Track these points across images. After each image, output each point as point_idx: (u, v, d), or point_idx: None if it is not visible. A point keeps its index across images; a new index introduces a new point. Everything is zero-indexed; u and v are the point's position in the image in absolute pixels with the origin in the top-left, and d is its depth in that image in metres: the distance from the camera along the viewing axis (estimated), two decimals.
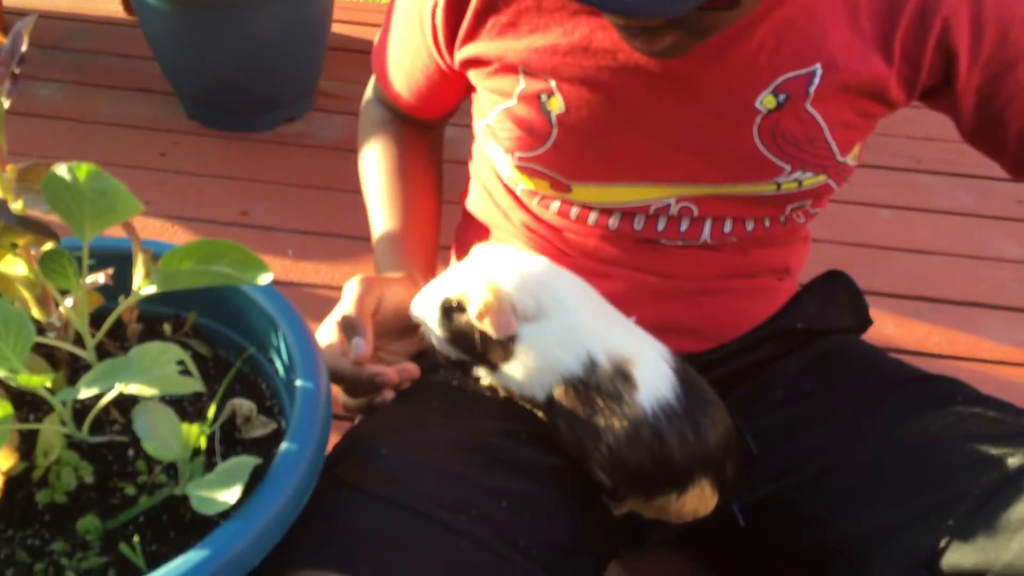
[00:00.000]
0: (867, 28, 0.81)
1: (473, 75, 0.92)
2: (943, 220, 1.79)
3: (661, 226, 0.91)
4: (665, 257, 0.93)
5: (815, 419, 0.92)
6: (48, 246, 0.63)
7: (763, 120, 0.83)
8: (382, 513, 0.71)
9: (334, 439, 0.74)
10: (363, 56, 1.17)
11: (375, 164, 1.07)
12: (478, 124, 0.96)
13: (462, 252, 1.04)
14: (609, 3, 0.66)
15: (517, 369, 0.80)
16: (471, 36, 0.88)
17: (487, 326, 0.78)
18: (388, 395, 0.83)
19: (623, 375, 0.77)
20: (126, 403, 0.67)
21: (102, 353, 0.67)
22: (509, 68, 0.87)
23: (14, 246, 0.63)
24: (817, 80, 0.81)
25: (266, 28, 1.83)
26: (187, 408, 0.70)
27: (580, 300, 0.81)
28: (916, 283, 1.61)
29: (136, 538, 0.61)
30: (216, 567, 0.55)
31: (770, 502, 0.89)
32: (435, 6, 0.88)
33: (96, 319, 0.67)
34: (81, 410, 0.66)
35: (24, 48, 0.63)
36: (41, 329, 0.64)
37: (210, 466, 0.61)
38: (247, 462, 0.60)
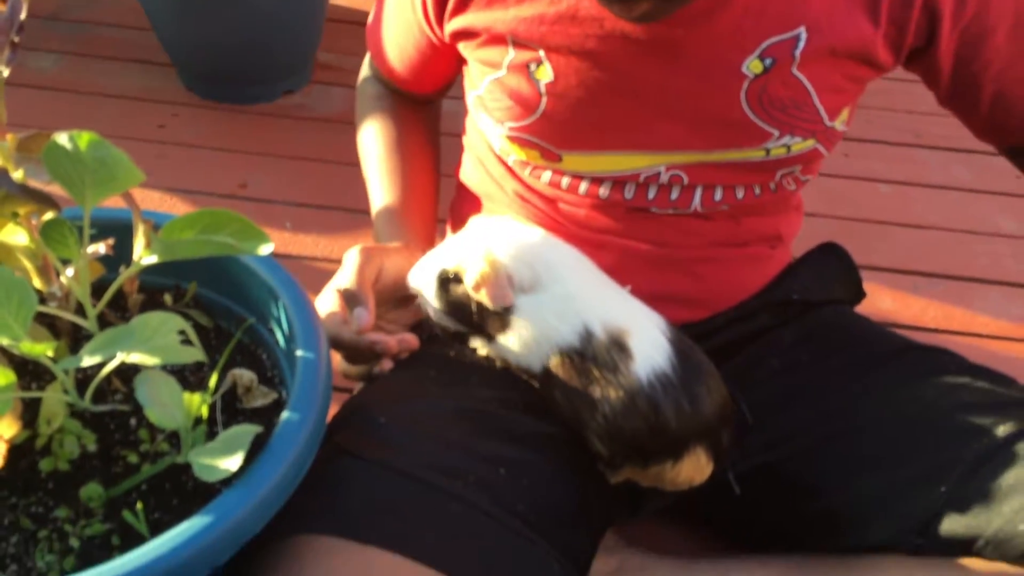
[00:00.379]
0: None
1: (463, 47, 0.92)
2: (941, 195, 1.79)
3: (652, 194, 0.91)
4: (657, 226, 0.94)
5: (810, 389, 0.93)
6: (49, 215, 0.63)
7: (750, 85, 0.83)
8: (381, 479, 0.72)
9: (333, 409, 0.75)
10: (361, 28, 1.16)
11: (373, 140, 1.07)
12: (470, 96, 0.96)
13: (457, 224, 1.05)
14: None
15: (514, 340, 0.81)
16: (460, 8, 0.88)
17: (484, 297, 0.79)
18: (387, 365, 0.83)
19: (619, 345, 0.78)
20: (128, 372, 0.67)
21: (103, 323, 0.67)
22: (498, 39, 0.87)
23: (15, 215, 0.63)
24: (802, 44, 0.81)
25: None
26: (188, 378, 0.71)
27: (576, 271, 0.82)
28: (914, 258, 1.61)
29: (139, 505, 0.62)
30: (218, 534, 0.56)
31: (765, 470, 0.90)
32: None
33: (97, 289, 0.67)
34: (83, 379, 0.66)
35: (23, 16, 0.63)
36: (42, 299, 0.64)
37: (211, 436, 0.62)
38: (249, 430, 0.60)
